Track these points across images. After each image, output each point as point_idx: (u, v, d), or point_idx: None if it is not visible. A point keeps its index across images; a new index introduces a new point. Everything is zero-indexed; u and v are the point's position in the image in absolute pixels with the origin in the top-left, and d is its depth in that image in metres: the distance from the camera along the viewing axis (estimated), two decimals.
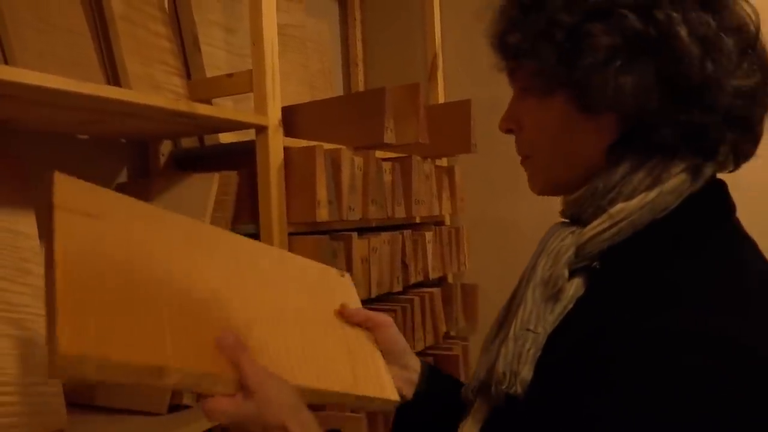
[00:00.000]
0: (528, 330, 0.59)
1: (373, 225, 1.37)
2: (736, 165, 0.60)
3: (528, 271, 0.63)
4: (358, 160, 1.26)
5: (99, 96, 0.81)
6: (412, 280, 1.46)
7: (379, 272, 1.32)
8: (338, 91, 1.94)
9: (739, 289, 0.53)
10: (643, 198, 0.57)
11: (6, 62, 0.82)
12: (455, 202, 1.70)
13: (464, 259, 1.77)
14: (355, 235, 1.24)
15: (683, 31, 0.53)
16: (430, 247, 1.54)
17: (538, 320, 0.59)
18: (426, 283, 1.59)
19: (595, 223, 0.59)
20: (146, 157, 1.23)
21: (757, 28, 0.57)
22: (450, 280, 1.79)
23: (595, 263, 0.59)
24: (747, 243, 0.59)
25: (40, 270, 0.91)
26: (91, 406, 0.98)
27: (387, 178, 1.36)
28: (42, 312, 0.90)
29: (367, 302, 1.26)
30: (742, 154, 0.59)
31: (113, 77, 0.99)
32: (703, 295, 0.52)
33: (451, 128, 1.58)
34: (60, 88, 0.76)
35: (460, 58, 1.87)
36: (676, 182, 0.57)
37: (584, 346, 0.54)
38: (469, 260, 1.79)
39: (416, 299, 1.46)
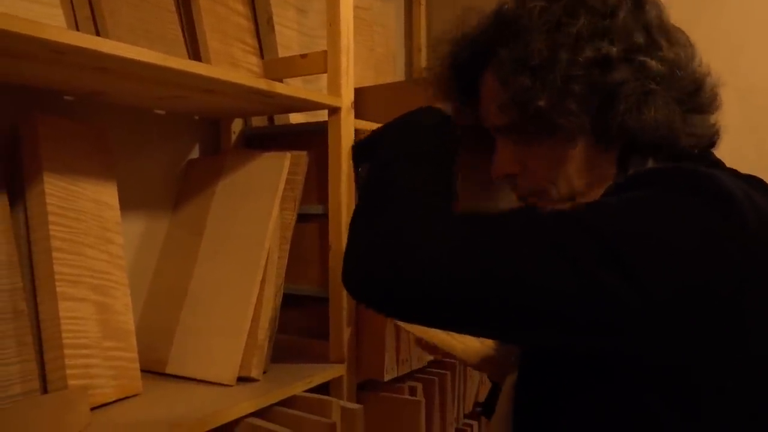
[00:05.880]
0: None
1: None
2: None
3: None
4: None
5: (186, 71, 0.82)
6: None
7: None
8: (401, 75, 1.93)
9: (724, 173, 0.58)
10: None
11: (99, 35, 0.85)
12: None
13: None
14: None
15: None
16: None
17: None
18: None
19: None
20: (217, 134, 1.25)
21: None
22: None
23: None
24: None
25: (120, 239, 0.94)
26: (162, 373, 1.01)
27: None
28: (119, 280, 0.93)
29: None
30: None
31: (194, 53, 1.01)
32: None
33: None
34: (150, 62, 0.77)
35: None
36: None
37: None
38: None
39: None
